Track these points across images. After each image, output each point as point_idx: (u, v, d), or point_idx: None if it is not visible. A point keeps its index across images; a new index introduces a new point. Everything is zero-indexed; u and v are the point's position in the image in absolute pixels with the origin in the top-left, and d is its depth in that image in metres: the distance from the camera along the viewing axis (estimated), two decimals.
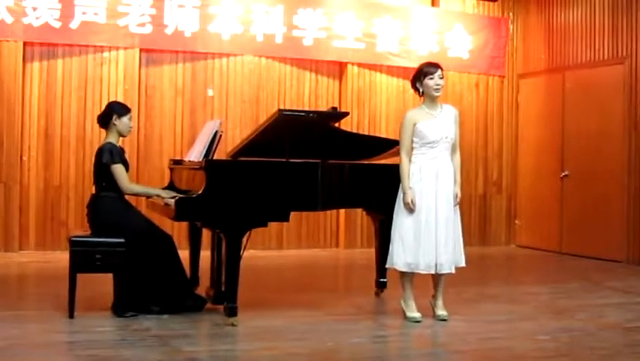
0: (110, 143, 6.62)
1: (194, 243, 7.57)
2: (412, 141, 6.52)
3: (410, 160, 6.52)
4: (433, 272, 6.45)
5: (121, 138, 6.81)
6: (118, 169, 6.52)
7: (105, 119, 6.73)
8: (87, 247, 6.26)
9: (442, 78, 6.56)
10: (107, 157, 6.50)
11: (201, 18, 10.85)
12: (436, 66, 6.60)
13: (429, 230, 6.39)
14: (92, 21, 10.33)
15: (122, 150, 6.70)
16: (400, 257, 6.46)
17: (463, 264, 6.60)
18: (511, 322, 6.64)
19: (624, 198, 10.76)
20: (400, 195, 6.52)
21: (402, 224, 6.48)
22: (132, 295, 6.38)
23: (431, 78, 6.51)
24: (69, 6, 10.20)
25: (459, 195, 6.59)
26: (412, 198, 6.39)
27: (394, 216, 6.57)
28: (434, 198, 6.43)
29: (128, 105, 7.02)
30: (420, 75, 6.57)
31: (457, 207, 6.61)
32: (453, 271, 6.51)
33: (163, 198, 6.65)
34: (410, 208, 6.40)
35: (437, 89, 6.53)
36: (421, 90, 6.59)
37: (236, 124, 11.14)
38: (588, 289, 8.55)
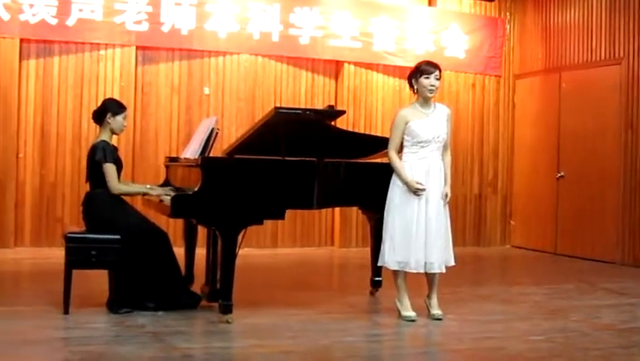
0: (103, 141, 6.61)
1: (190, 240, 7.55)
2: (403, 140, 6.52)
3: (400, 159, 6.52)
4: (422, 271, 6.45)
5: (114, 136, 6.82)
6: (109, 169, 6.51)
7: (99, 117, 6.74)
8: (83, 243, 6.28)
9: (438, 79, 6.52)
10: (100, 155, 6.50)
11: (198, 16, 10.84)
12: (434, 66, 6.55)
13: (419, 229, 6.39)
14: (88, 18, 10.32)
15: (115, 149, 6.70)
16: (390, 256, 6.47)
17: (452, 263, 6.58)
18: (506, 322, 6.64)
19: (619, 199, 10.77)
20: (391, 193, 6.52)
21: (392, 223, 6.48)
22: (127, 292, 6.39)
23: (427, 77, 6.47)
24: (66, 3, 10.18)
25: (449, 194, 6.55)
26: (415, 182, 6.38)
27: (385, 214, 6.57)
28: (424, 197, 6.42)
29: (124, 103, 7.02)
30: (417, 72, 6.54)
31: (447, 206, 6.59)
32: (443, 270, 6.51)
33: (151, 195, 6.68)
34: (420, 189, 6.36)
35: (431, 89, 6.50)
36: (415, 88, 6.57)
37: (232, 122, 11.14)
38: (583, 290, 8.55)
